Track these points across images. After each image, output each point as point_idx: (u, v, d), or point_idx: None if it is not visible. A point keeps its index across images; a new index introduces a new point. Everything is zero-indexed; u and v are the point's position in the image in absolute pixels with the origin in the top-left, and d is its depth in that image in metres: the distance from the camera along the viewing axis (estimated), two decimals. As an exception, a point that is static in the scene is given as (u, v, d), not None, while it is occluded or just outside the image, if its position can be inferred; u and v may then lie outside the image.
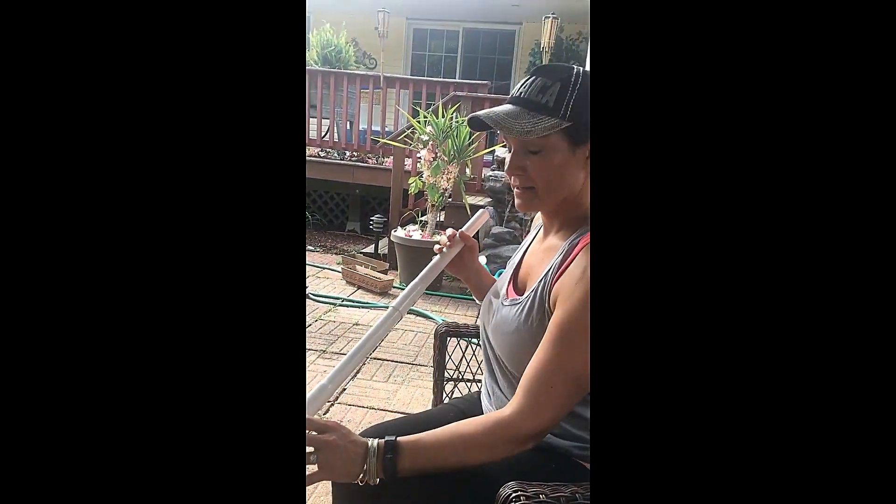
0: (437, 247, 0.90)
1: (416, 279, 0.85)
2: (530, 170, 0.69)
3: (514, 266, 0.83)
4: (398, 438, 0.63)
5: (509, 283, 0.81)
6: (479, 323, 0.88)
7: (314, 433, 0.62)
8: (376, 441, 0.63)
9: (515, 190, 0.73)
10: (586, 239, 0.68)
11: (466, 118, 0.80)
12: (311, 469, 0.62)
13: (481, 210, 0.93)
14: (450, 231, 0.90)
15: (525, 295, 0.74)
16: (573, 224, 0.73)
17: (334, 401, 1.83)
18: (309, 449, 0.61)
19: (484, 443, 0.65)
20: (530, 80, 0.70)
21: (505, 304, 0.78)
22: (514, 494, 0.57)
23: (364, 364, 2.12)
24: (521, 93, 0.69)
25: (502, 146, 3.69)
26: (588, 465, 0.72)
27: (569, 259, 0.68)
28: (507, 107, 0.70)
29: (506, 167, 0.72)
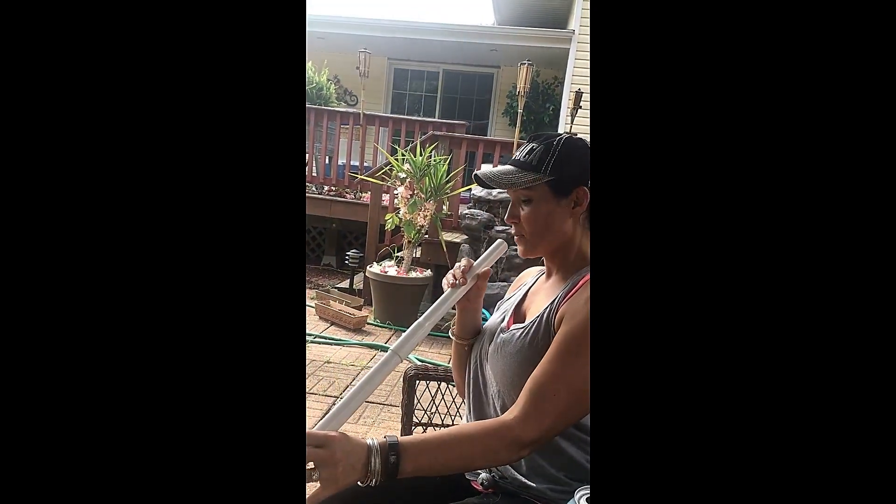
0: (448, 280, 0.85)
1: (422, 318, 0.79)
2: (522, 219, 0.79)
3: (516, 303, 0.87)
4: (400, 439, 0.64)
5: (510, 317, 0.85)
6: (470, 356, 0.87)
7: (314, 448, 0.61)
8: (377, 441, 0.63)
9: (515, 238, 0.83)
10: (589, 276, 0.74)
11: (473, 175, 0.85)
12: (312, 486, 0.59)
13: (499, 241, 0.91)
14: (465, 261, 0.86)
15: (529, 321, 0.78)
16: (574, 266, 0.79)
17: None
18: (309, 465, 0.60)
19: (486, 445, 0.67)
20: (524, 146, 0.82)
21: (507, 330, 0.81)
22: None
23: (345, 423, 2.07)
24: (516, 157, 0.82)
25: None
26: None
27: (576, 288, 0.74)
28: (503, 167, 0.83)
29: (506, 218, 0.84)
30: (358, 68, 4.77)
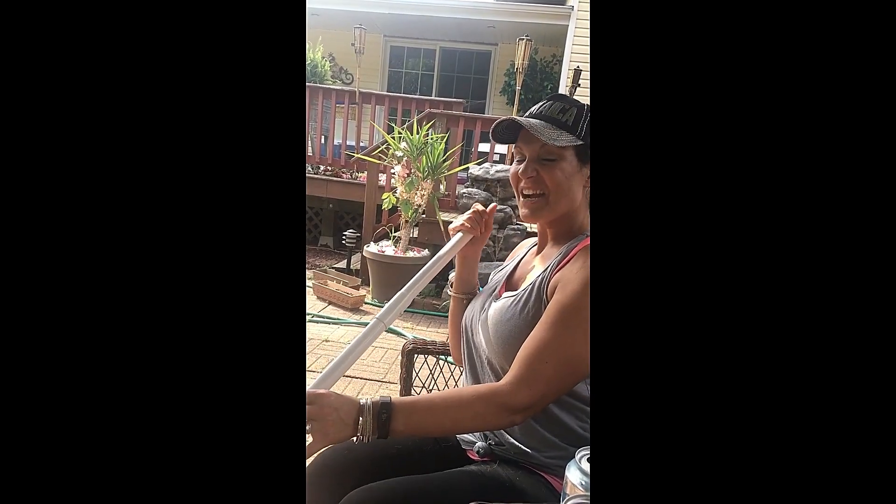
0: (455, 225, 0.87)
1: (433, 259, 0.81)
2: (544, 176, 0.76)
3: (508, 273, 0.87)
4: (393, 399, 0.65)
5: (502, 285, 0.85)
6: (463, 324, 0.88)
7: (306, 405, 0.62)
8: (370, 399, 0.64)
9: (523, 199, 0.79)
10: (585, 242, 0.75)
11: (493, 126, 0.79)
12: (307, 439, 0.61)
13: (460, 235, 0.88)
14: (478, 206, 0.88)
15: (521, 288, 0.78)
16: (569, 235, 0.79)
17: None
18: None
19: (477, 409, 0.67)
20: (548, 103, 0.79)
21: (499, 298, 0.81)
22: (473, 515, 0.57)
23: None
24: (542, 111, 0.78)
25: (476, 163, 3.73)
26: (547, 477, 0.73)
27: (568, 256, 0.74)
28: (533, 119, 0.77)
29: (519, 172, 0.78)
30: (353, 45, 4.69)
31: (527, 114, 0.80)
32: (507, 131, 0.79)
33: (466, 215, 0.88)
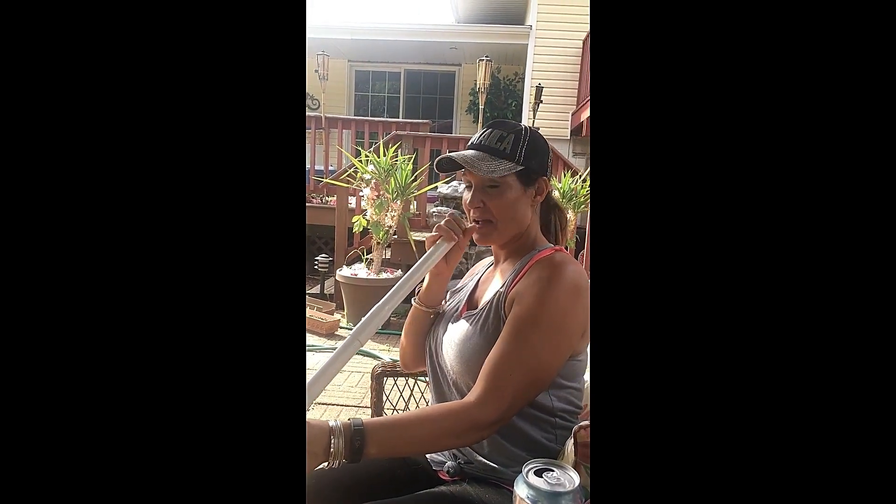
0: (432, 234, 0.85)
1: (410, 271, 0.78)
2: (489, 205, 0.79)
3: (469, 292, 0.88)
4: (364, 421, 0.64)
5: (464, 305, 0.86)
6: (428, 347, 0.88)
7: None
8: (340, 423, 0.63)
9: (475, 225, 0.82)
10: (537, 256, 0.78)
11: (436, 161, 0.82)
12: None
13: (440, 241, 0.86)
14: (454, 212, 0.88)
15: (480, 307, 0.80)
16: (522, 252, 0.82)
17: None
18: None
19: (448, 428, 0.68)
20: (487, 131, 0.81)
21: (460, 319, 0.82)
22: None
23: (309, 409, 2.05)
24: (481, 141, 0.81)
25: (444, 182, 3.77)
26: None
27: (522, 272, 0.77)
28: (472, 151, 0.81)
29: (467, 202, 0.82)
30: (317, 71, 4.72)
31: (469, 143, 0.83)
32: (451, 163, 0.82)
33: (441, 225, 0.84)
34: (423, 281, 0.90)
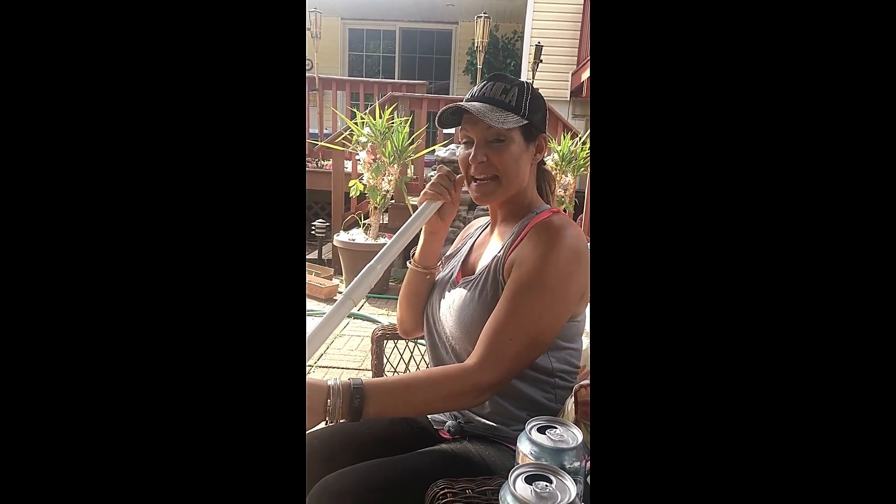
0: (422, 194, 0.84)
1: (401, 230, 0.78)
2: (494, 159, 0.76)
3: (463, 257, 0.87)
4: (364, 382, 0.65)
5: (458, 271, 0.85)
6: (426, 314, 0.88)
7: None
8: (338, 381, 0.64)
9: (475, 184, 0.79)
10: (535, 219, 0.76)
11: (439, 112, 0.78)
12: None
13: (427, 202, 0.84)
14: (443, 167, 0.85)
15: (477, 273, 0.79)
16: (519, 214, 0.80)
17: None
18: None
19: (447, 390, 0.68)
20: (490, 83, 0.78)
21: (456, 285, 0.82)
22: (441, 492, 0.58)
23: (310, 372, 2.08)
24: (484, 92, 0.77)
25: (442, 146, 3.72)
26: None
27: (521, 236, 0.75)
28: (478, 102, 0.76)
29: (470, 158, 0.77)
30: (309, 29, 4.57)
31: (468, 95, 0.79)
32: (452, 116, 0.79)
33: (432, 182, 0.84)
34: (418, 243, 0.89)
